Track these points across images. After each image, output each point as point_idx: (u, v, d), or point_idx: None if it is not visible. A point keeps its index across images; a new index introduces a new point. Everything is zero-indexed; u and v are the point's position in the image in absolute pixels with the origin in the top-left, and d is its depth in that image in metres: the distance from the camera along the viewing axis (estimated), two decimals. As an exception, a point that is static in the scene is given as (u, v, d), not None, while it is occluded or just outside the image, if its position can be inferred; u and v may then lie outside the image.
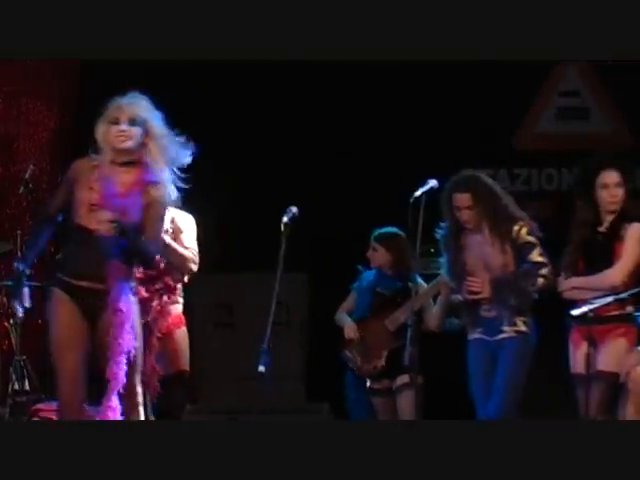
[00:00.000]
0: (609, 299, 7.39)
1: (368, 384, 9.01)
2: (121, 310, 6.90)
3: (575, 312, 7.38)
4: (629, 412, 7.45)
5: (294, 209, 7.43)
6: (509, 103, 11.18)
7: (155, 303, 8.08)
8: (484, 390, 8.10)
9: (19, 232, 10.39)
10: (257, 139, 11.18)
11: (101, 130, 6.98)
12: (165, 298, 8.12)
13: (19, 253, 9.85)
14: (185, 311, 8.32)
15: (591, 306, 7.39)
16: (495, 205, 7.98)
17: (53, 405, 8.68)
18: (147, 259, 7.05)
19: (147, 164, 7.06)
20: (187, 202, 7.74)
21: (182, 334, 8.24)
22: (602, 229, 7.65)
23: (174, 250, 8.10)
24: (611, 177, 7.62)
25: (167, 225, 7.95)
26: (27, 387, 10.27)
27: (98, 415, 7.05)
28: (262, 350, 7.41)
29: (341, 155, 10.99)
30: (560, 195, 10.35)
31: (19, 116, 11.99)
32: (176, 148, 7.21)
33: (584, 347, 7.55)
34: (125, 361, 6.90)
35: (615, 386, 7.55)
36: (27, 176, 10.20)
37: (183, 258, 8.14)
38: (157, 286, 8.16)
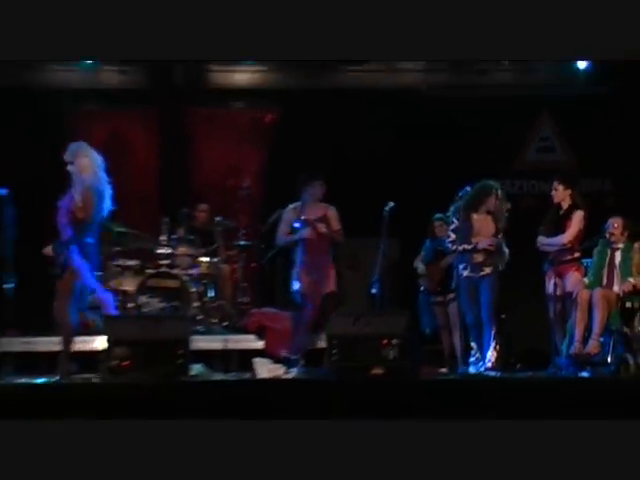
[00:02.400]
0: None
1: (432, 299, 11.74)
2: None
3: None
4: (577, 316, 10.06)
5: (391, 203, 10.58)
6: (512, 142, 14.09)
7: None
8: (471, 308, 10.36)
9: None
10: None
11: None
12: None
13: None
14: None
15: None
16: (498, 196, 10.42)
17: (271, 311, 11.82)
18: None
19: None
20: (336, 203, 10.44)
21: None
22: (561, 213, 10.42)
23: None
24: (559, 186, 10.46)
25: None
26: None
27: None
28: (374, 280, 10.82)
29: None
30: (540, 195, 12.51)
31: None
32: None
33: (554, 279, 10.29)
34: None
35: (570, 300, 10.19)
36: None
37: (339, 233, 10.62)
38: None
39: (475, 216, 10.43)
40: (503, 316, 10.55)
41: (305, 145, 12.87)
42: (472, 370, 10.36)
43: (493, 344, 10.21)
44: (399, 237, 11.53)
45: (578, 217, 10.40)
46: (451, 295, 11.17)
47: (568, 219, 10.44)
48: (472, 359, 10.48)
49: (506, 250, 10.42)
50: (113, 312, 10.06)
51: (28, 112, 12.81)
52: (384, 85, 13.62)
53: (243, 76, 13.84)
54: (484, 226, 10.43)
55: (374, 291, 10.97)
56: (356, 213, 11.04)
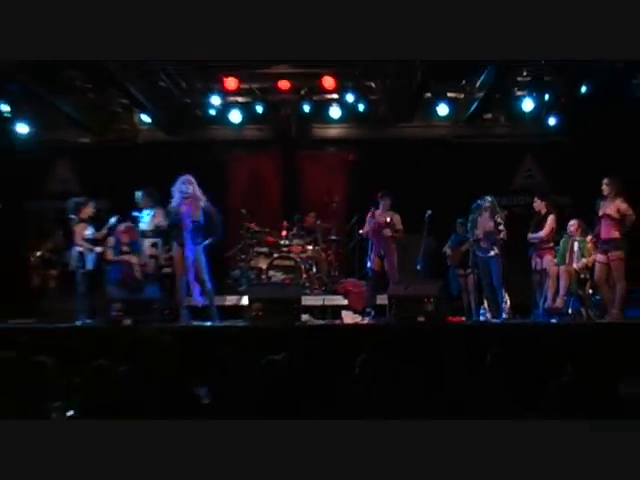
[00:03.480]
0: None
1: (456, 272, 11.51)
2: None
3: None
4: (549, 284, 9.80)
5: (429, 211, 10.57)
6: (508, 172, 13.63)
7: None
8: (485, 277, 10.05)
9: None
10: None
11: None
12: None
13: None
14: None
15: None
16: (495, 206, 10.11)
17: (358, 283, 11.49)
18: None
19: None
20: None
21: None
22: (540, 217, 10.21)
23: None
24: (538, 200, 10.36)
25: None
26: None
27: None
28: (419, 261, 10.78)
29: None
30: (526, 206, 11.31)
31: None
32: None
33: (536, 259, 10.23)
34: None
35: (545, 273, 10.01)
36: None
37: (401, 232, 10.49)
38: None
39: (479, 218, 10.18)
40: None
41: (373, 175, 12.68)
42: (482, 319, 10.18)
43: (503, 301, 9.97)
44: (434, 233, 11.27)
45: (551, 220, 10.24)
46: (468, 270, 10.93)
47: (544, 221, 10.25)
48: (482, 312, 10.28)
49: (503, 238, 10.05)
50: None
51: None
52: (423, 135, 13.54)
53: (333, 130, 13.77)
54: (486, 224, 10.12)
55: (419, 267, 10.85)
56: (409, 218, 10.80)
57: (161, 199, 10.06)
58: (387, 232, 10.38)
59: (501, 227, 9.91)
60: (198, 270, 9.51)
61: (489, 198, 10.17)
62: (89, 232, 10.01)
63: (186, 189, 9.50)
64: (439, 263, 11.57)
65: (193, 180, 9.63)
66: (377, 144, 13.42)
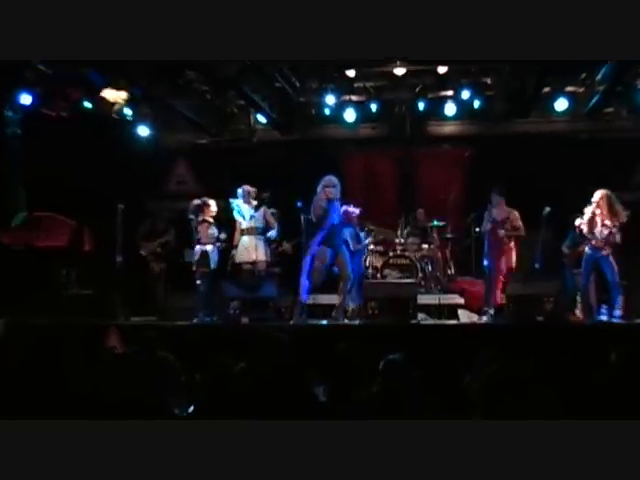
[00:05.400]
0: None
1: (573, 271, 10.66)
2: None
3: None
4: None
5: (548, 208, 10.26)
6: (632, 169, 13.22)
7: None
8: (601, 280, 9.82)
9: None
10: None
11: None
12: None
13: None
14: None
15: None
16: (611, 202, 9.60)
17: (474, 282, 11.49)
18: None
19: None
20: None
21: None
22: None
23: None
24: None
25: None
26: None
27: None
28: (537, 259, 10.45)
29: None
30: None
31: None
32: None
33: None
34: None
35: None
36: None
37: (520, 229, 10.40)
38: None
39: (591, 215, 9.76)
40: (624, 282, 9.77)
41: (490, 172, 12.45)
42: (603, 318, 9.82)
43: (619, 300, 9.57)
44: (553, 230, 10.96)
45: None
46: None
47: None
48: (602, 310, 10.04)
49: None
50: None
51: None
52: (540, 130, 13.29)
53: (448, 127, 13.70)
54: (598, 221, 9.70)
55: (537, 266, 10.62)
56: (527, 215, 10.59)
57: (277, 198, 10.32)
58: (501, 232, 10.27)
59: (613, 223, 9.48)
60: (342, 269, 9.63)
61: (598, 194, 9.76)
62: (213, 231, 10.24)
63: (334, 192, 9.62)
64: (557, 261, 11.34)
65: (337, 182, 9.78)
66: (493, 140, 13.28)
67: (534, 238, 10.58)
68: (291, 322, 9.52)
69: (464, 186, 13.44)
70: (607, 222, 9.49)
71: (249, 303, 9.81)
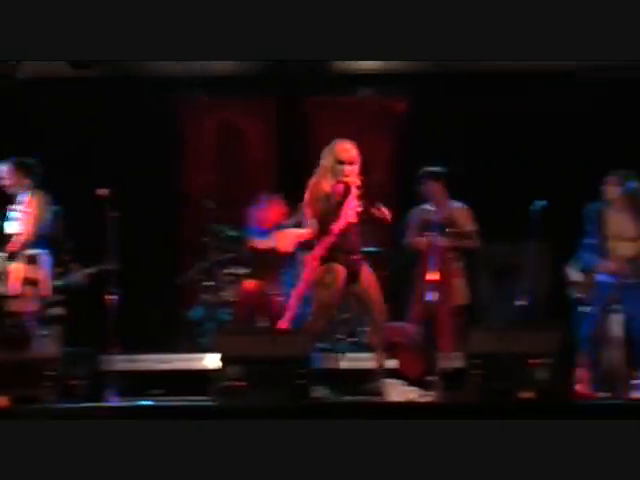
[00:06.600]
0: None
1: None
2: None
3: None
4: None
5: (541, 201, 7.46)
6: None
7: None
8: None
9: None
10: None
11: None
12: None
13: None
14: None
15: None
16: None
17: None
18: None
19: None
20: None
21: None
22: None
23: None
24: None
25: None
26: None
27: None
28: (520, 290, 7.94)
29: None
30: None
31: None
32: None
33: None
34: None
35: None
36: None
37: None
38: None
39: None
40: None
41: (434, 136, 9.80)
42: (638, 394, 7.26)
43: None
44: (551, 239, 8.21)
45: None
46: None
47: None
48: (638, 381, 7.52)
49: None
50: None
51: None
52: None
53: (370, 62, 10.43)
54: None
55: (518, 302, 8.02)
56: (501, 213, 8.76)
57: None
58: (440, 242, 8.19)
59: None
60: None
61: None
62: None
63: None
64: (558, 294, 8.62)
65: None
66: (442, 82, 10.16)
67: (514, 253, 8.51)
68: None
69: (394, 162, 10.35)
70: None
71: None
